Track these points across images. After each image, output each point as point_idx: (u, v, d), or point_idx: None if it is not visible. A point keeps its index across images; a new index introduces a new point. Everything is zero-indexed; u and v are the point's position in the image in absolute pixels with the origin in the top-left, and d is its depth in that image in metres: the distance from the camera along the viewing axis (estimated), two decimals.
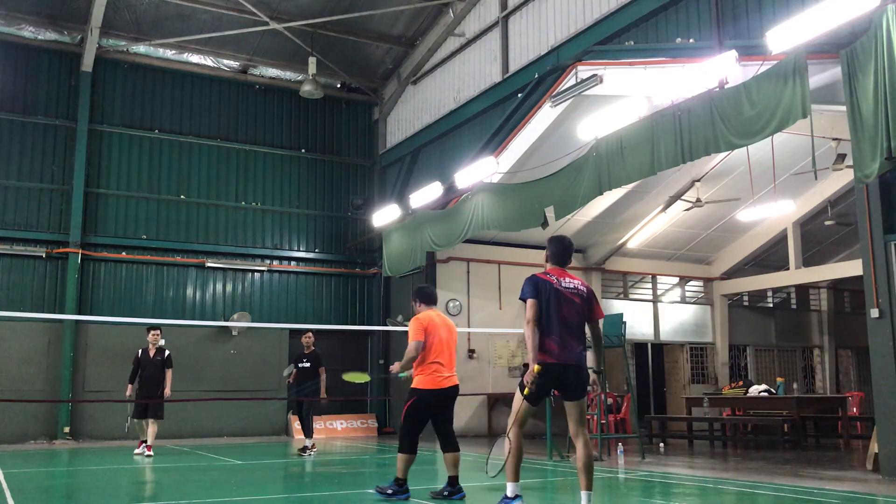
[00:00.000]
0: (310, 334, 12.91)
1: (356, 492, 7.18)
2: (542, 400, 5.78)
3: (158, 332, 12.40)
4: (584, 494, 5.52)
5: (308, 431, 12.48)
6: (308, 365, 12.48)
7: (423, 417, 6.87)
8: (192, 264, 17.03)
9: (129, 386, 12.07)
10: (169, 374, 12.07)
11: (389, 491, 6.82)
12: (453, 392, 6.96)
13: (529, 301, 5.67)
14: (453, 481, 6.88)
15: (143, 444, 11.88)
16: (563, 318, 5.64)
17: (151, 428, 11.89)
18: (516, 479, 5.75)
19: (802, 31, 8.46)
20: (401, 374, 7.08)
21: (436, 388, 6.82)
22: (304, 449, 12.19)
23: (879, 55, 7.73)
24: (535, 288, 5.71)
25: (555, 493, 7.93)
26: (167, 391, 12.01)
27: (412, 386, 6.94)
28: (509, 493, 5.73)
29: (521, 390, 5.62)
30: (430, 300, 7.35)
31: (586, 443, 5.58)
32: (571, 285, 5.78)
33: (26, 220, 15.70)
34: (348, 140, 19.32)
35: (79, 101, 16.28)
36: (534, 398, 5.60)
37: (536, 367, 5.49)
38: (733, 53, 9.44)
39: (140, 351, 12.17)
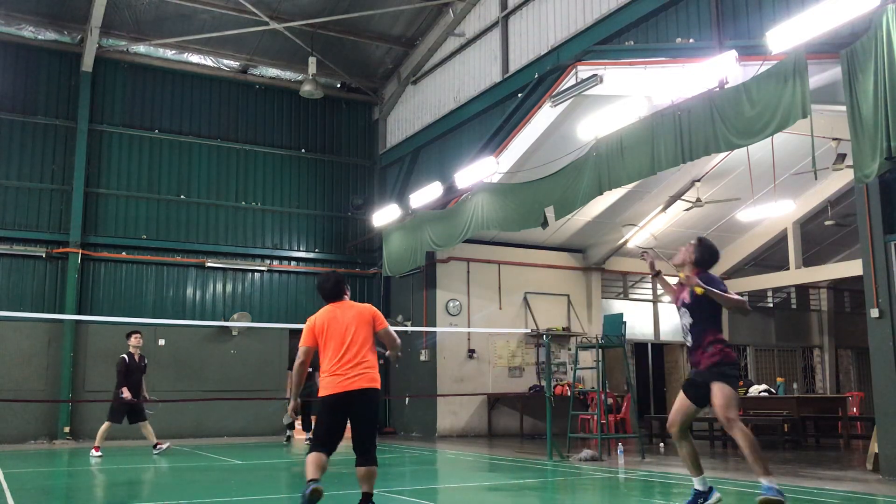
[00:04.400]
0: None
1: (355, 492, 7.16)
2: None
3: (140, 334, 12.36)
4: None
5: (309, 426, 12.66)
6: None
7: (328, 423, 5.84)
8: (192, 264, 17.03)
9: (125, 390, 11.83)
10: (144, 378, 12.23)
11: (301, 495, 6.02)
12: (349, 397, 5.73)
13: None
14: (365, 498, 5.87)
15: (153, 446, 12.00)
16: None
17: (147, 429, 12.03)
18: (700, 472, 6.05)
19: (802, 31, 8.46)
20: (286, 421, 6.80)
21: (330, 392, 5.75)
22: (289, 438, 12.43)
23: (879, 55, 7.72)
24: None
25: (555, 492, 7.92)
26: (147, 394, 12.25)
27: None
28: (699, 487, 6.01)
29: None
30: (329, 295, 6.16)
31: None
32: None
33: (26, 220, 15.70)
34: (348, 140, 19.32)
35: (79, 101, 16.28)
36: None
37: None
38: (733, 53, 9.44)
39: (126, 356, 11.98)
